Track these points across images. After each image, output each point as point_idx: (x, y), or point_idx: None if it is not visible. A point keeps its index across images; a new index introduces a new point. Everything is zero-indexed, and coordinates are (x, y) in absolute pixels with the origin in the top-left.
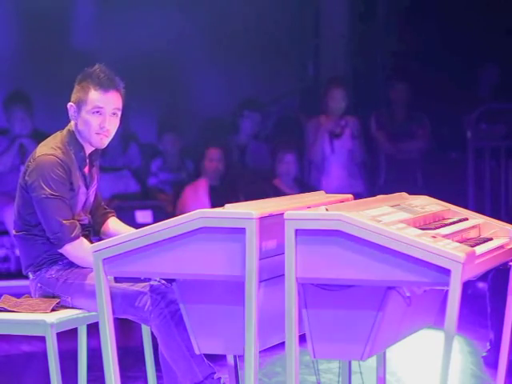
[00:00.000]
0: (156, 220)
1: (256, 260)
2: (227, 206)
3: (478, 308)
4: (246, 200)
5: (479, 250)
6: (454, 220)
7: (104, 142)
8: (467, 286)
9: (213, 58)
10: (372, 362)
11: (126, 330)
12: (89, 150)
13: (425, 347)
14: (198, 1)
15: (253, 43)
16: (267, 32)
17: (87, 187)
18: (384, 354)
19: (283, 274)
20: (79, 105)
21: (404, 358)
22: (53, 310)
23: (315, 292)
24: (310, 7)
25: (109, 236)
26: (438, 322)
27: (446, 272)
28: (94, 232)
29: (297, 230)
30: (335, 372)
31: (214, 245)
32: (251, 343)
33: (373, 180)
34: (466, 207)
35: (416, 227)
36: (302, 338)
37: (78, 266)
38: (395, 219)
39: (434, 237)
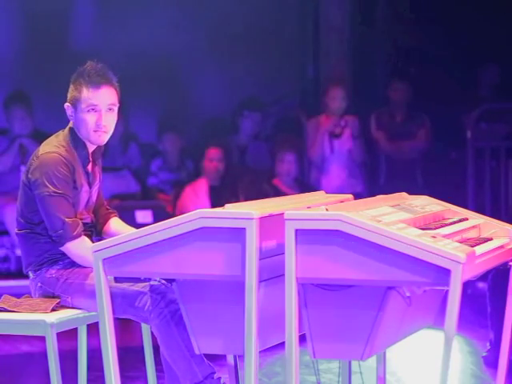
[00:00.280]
0: (156, 220)
1: (256, 260)
2: (227, 205)
3: (477, 308)
4: (246, 200)
5: (479, 250)
6: (454, 220)
7: (103, 138)
8: (467, 285)
9: (213, 58)
10: (372, 361)
11: (126, 329)
12: (91, 148)
13: (425, 347)
14: (198, 1)
15: (253, 43)
16: (267, 32)
17: (90, 186)
18: (384, 354)
19: (283, 274)
20: (75, 104)
21: (404, 358)
22: (53, 309)
23: (315, 292)
24: (310, 7)
25: (110, 236)
26: (438, 322)
27: (446, 272)
28: (95, 232)
29: (297, 230)
30: (335, 372)
31: (214, 245)
32: (251, 343)
33: (373, 180)
34: (465, 207)
35: (416, 227)
36: (302, 338)
37: (78, 266)
38: (395, 219)
39: (434, 237)
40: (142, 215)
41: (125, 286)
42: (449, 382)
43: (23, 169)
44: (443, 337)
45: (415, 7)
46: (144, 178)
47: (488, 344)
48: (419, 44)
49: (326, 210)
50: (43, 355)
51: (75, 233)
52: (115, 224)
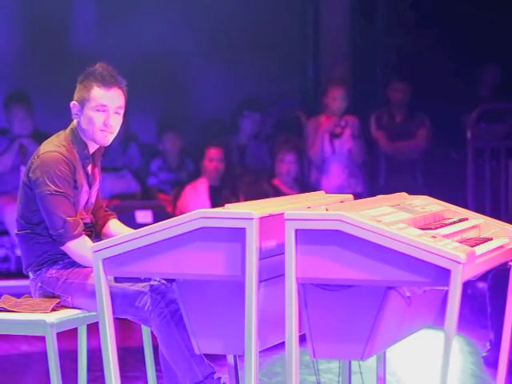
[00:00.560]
0: (156, 220)
1: (256, 260)
2: (227, 205)
3: (478, 308)
4: (246, 200)
5: (479, 250)
6: (454, 220)
7: (108, 138)
8: (467, 285)
9: (213, 58)
10: (372, 361)
11: (126, 330)
12: (92, 148)
13: (425, 347)
14: (199, 1)
15: (253, 43)
16: (267, 32)
17: (90, 186)
18: (384, 354)
19: (283, 274)
20: (82, 103)
21: (404, 358)
22: (53, 309)
23: (315, 292)
24: (310, 7)
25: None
26: (438, 322)
27: (446, 272)
28: (95, 233)
29: (297, 230)
30: (335, 372)
31: (214, 245)
32: (251, 343)
33: (373, 180)
34: (465, 207)
35: (416, 227)
36: (302, 338)
37: (78, 266)
38: (395, 219)
39: (434, 237)
40: (142, 215)
41: (125, 286)
42: (449, 382)
43: (23, 169)
44: (443, 337)
45: (415, 7)
46: (144, 178)
47: (488, 344)
48: (419, 44)
49: (326, 210)
50: (43, 355)
51: (76, 232)
52: (114, 226)
